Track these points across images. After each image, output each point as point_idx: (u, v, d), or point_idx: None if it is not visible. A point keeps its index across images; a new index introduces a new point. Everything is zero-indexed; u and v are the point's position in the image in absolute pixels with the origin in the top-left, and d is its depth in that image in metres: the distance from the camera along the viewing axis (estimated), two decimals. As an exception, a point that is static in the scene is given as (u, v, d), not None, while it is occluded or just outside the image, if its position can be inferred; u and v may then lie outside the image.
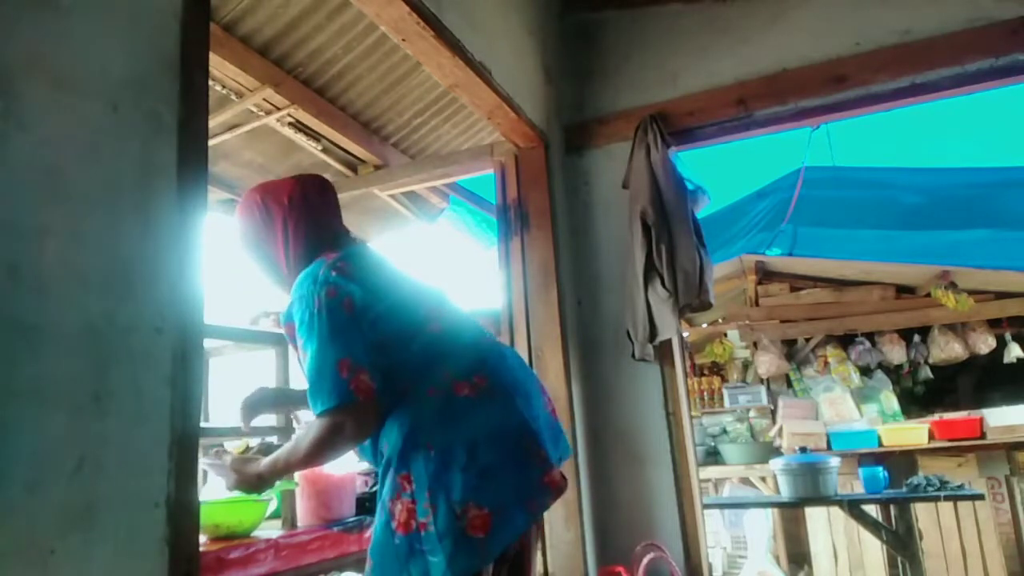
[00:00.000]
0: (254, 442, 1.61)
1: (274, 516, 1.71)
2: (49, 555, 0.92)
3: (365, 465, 1.98)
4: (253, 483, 1.45)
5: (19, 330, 0.92)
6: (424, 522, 1.27)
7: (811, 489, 3.39)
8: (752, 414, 5.69)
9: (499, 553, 1.32)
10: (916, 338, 5.66)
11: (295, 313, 1.39)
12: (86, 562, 0.96)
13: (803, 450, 3.82)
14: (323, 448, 1.34)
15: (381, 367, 1.36)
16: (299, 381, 1.60)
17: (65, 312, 0.98)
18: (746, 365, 6.13)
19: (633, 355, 2.81)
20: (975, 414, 4.59)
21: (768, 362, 5.65)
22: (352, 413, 1.31)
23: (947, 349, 5.52)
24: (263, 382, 1.67)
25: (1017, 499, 4.34)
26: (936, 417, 4.77)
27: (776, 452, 4.79)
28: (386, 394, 1.35)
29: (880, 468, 3.49)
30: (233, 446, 1.53)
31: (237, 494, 1.49)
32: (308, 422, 1.40)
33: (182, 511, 1.10)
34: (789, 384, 5.78)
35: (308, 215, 1.54)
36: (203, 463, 1.46)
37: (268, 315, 3.16)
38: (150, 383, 1.08)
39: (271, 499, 1.63)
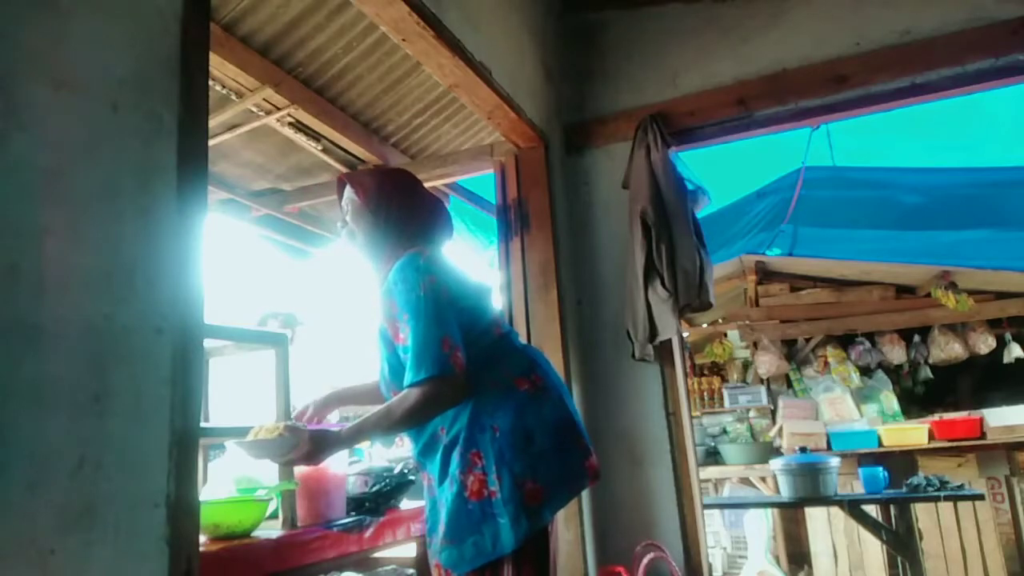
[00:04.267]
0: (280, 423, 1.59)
1: (271, 516, 1.71)
2: (49, 555, 0.92)
3: (362, 466, 1.98)
4: (327, 452, 1.53)
5: (19, 330, 0.92)
6: (494, 490, 1.50)
7: (811, 489, 3.39)
8: (752, 414, 5.69)
9: (548, 522, 1.56)
10: (916, 338, 5.66)
11: (397, 294, 1.58)
12: (86, 562, 0.96)
13: (803, 450, 3.82)
14: (420, 411, 1.52)
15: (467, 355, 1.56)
16: (301, 379, 1.63)
17: (65, 312, 0.98)
18: (746, 365, 6.13)
19: (633, 355, 2.81)
20: (975, 414, 4.59)
21: (768, 362, 5.65)
22: (450, 382, 1.52)
23: (947, 349, 5.52)
24: (265, 383, 1.68)
25: (1017, 499, 4.34)
26: (936, 417, 4.77)
27: (776, 452, 4.79)
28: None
29: (880, 468, 3.49)
30: (265, 427, 1.53)
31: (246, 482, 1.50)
32: (403, 392, 1.54)
33: (182, 511, 1.10)
34: (789, 384, 5.79)
35: (426, 216, 1.75)
36: (257, 441, 1.49)
37: (276, 316, 3.16)
38: (150, 383, 1.08)
39: (271, 499, 1.63)
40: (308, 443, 1.48)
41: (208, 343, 1.63)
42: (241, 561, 1.45)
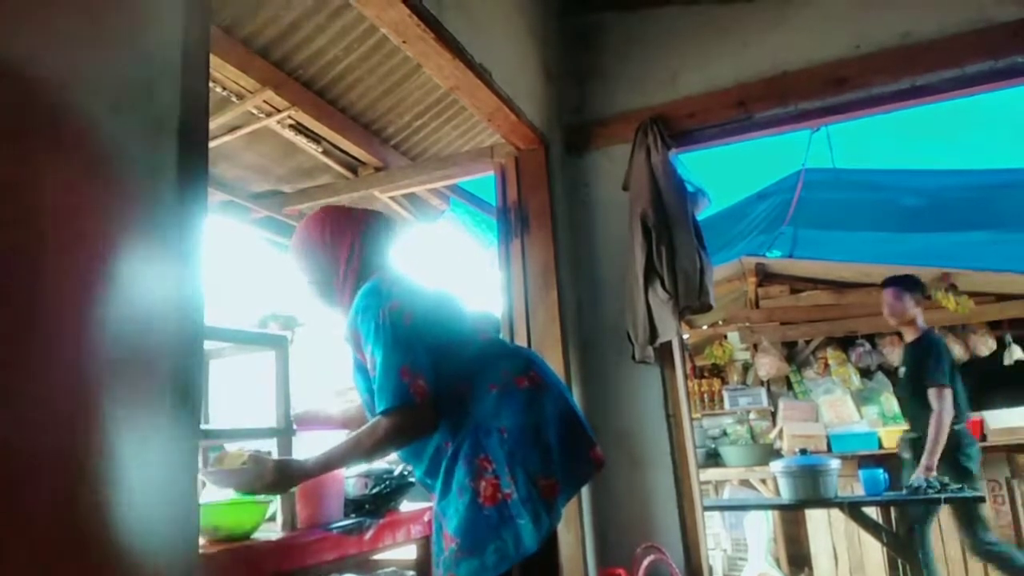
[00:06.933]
0: (248, 449, 1.61)
1: (270, 519, 1.71)
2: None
3: (362, 468, 1.98)
4: (292, 482, 1.56)
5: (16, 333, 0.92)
6: (509, 492, 1.49)
7: (811, 491, 3.39)
8: (752, 416, 5.69)
9: (561, 516, 1.58)
10: (916, 340, 5.65)
11: (360, 324, 1.58)
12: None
13: (803, 452, 3.82)
14: (386, 442, 1.54)
15: (439, 373, 1.57)
16: (303, 383, 1.65)
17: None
18: (746, 367, 6.13)
19: (633, 357, 2.81)
20: (975, 416, 4.59)
21: (768, 364, 5.65)
22: (411, 412, 1.52)
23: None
24: (265, 387, 1.68)
25: (1018, 501, 4.34)
26: (936, 419, 4.76)
27: (776, 454, 4.79)
28: (446, 397, 1.57)
29: (880, 470, 3.49)
30: (230, 454, 1.54)
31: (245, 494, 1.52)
32: (371, 422, 1.57)
33: (182, 512, 1.10)
34: (789, 386, 5.78)
35: (374, 243, 1.75)
36: (223, 471, 1.49)
37: (276, 318, 3.16)
38: (149, 384, 1.08)
39: (272, 501, 1.63)
40: (272, 473, 1.50)
41: (208, 344, 1.63)
42: (241, 563, 1.45)
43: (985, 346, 5.47)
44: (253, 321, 2.88)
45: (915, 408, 3.63)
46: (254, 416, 1.75)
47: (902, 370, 3.81)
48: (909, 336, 3.71)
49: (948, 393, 3.42)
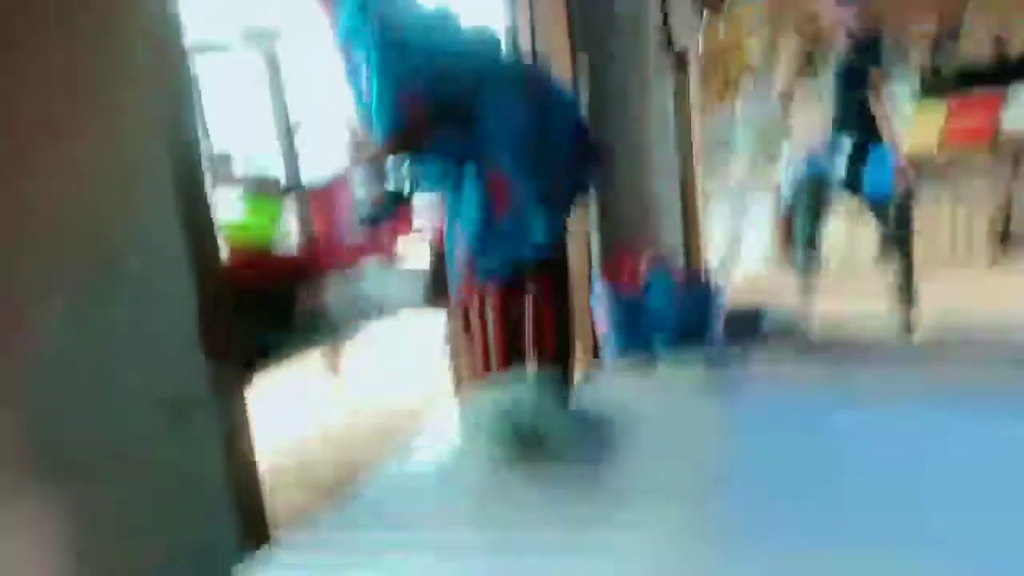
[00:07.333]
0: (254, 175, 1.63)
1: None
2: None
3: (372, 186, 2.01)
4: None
5: None
6: (520, 199, 1.56)
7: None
8: (764, 120, 5.66)
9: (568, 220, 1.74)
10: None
11: (353, 42, 1.55)
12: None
13: (811, 154, 3.79)
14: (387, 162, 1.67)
15: (438, 92, 1.55)
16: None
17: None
18: (762, 75, 5.94)
19: (645, 65, 2.66)
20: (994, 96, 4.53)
21: (786, 73, 5.46)
22: (408, 136, 1.56)
23: (978, 44, 5.27)
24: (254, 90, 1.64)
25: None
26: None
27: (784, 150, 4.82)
28: (449, 115, 1.57)
29: (890, 155, 3.44)
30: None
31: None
32: (372, 146, 1.66)
33: (199, 227, 1.13)
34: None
35: None
36: None
37: (259, 33, 2.97)
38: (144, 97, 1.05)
39: (284, 213, 1.68)
40: None
41: (199, 62, 1.55)
42: (264, 270, 1.52)
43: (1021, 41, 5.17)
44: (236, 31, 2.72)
45: (851, 103, 3.54)
46: (253, 129, 1.72)
47: (836, 68, 3.69)
48: (849, 30, 3.54)
49: None
